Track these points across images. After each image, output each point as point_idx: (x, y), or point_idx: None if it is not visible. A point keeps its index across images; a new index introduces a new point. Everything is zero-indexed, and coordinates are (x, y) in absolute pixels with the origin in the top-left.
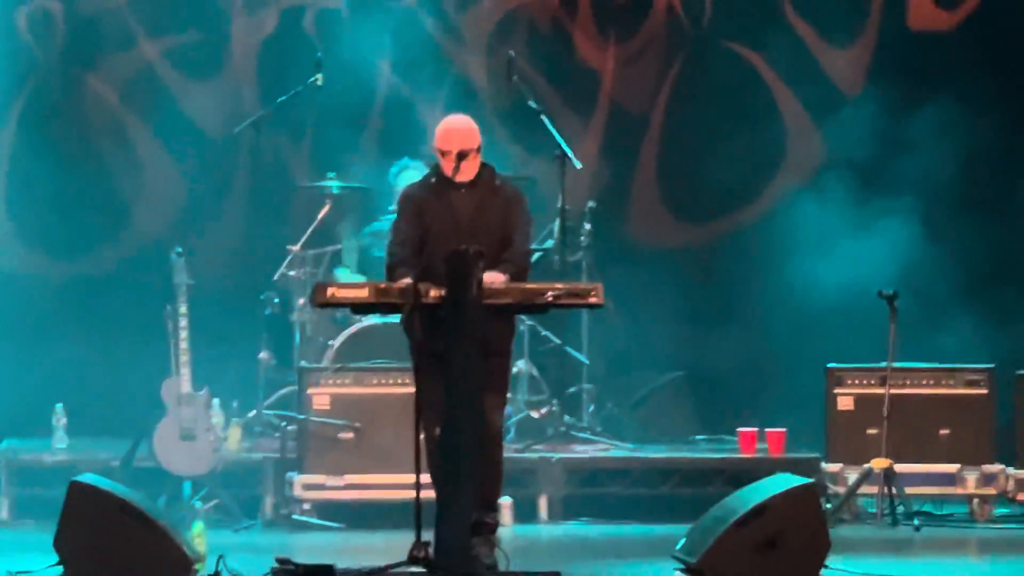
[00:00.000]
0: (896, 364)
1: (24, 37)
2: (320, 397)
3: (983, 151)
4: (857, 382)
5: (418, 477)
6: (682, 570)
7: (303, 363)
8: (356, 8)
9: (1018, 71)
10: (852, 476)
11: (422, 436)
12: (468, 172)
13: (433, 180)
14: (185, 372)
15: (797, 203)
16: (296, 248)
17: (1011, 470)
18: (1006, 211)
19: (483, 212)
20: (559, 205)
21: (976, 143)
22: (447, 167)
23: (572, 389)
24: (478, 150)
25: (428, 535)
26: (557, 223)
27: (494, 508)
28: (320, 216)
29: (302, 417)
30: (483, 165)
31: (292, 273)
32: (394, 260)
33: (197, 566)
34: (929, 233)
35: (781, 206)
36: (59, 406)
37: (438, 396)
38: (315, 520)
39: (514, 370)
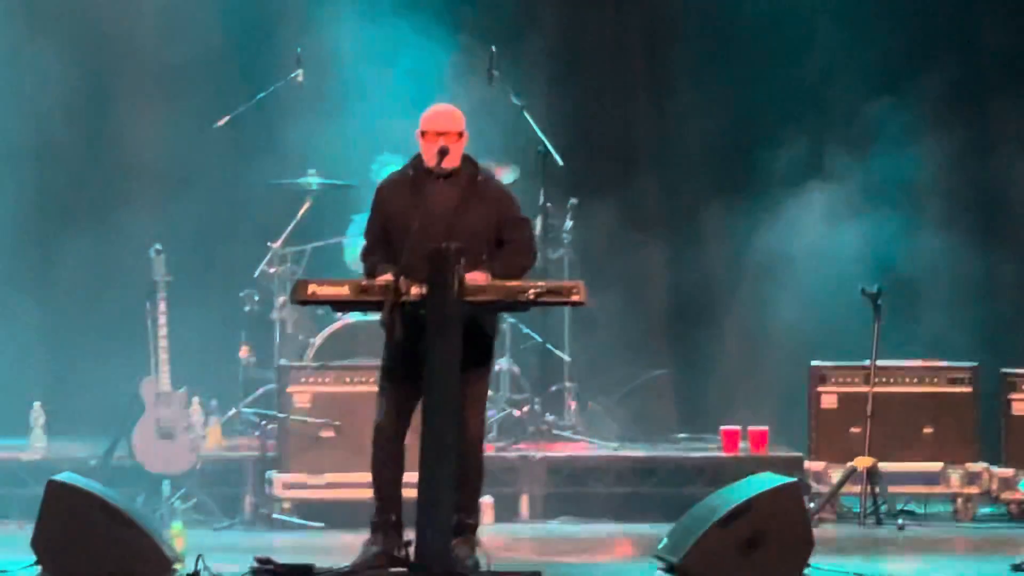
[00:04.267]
0: (880, 362)
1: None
2: (300, 395)
3: (968, 148)
4: (840, 380)
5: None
6: (664, 569)
7: (283, 361)
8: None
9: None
10: (835, 475)
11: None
12: (450, 158)
13: (411, 172)
14: (164, 370)
15: (781, 200)
16: (276, 245)
17: (995, 468)
18: (989, 208)
19: (463, 207)
20: (540, 202)
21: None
22: (428, 151)
23: (554, 387)
24: (460, 135)
25: (410, 535)
26: (539, 220)
27: (475, 510)
28: (300, 213)
29: (282, 415)
30: (466, 158)
31: (272, 270)
32: (362, 249)
33: (176, 565)
34: (913, 230)
35: (765, 204)
36: (37, 404)
37: (403, 396)
38: (295, 519)
39: (496, 368)
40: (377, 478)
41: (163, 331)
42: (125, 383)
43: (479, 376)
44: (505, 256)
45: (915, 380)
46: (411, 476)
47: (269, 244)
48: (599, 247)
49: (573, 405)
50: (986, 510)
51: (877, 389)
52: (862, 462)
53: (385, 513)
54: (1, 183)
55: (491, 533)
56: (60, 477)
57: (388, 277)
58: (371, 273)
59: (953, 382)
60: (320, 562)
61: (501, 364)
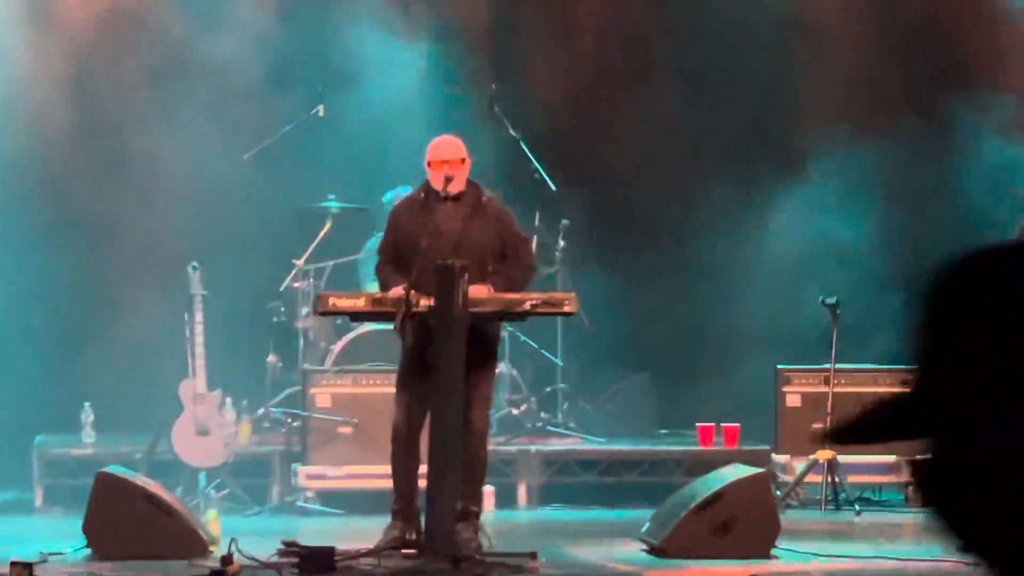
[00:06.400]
0: (838, 365)
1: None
2: (322, 396)
3: (912, 150)
4: (804, 381)
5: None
6: (647, 550)
7: (306, 365)
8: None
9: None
10: (799, 466)
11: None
12: (455, 182)
13: (422, 195)
14: (200, 374)
15: (749, 214)
16: (300, 262)
17: None
18: (941, 214)
19: (469, 226)
20: (535, 224)
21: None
22: (435, 178)
23: (548, 388)
24: (463, 161)
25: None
26: (534, 239)
27: (478, 498)
28: (322, 233)
29: (305, 414)
30: (470, 183)
31: (296, 284)
32: (377, 262)
33: (211, 548)
34: (868, 238)
35: (735, 219)
36: (87, 405)
37: (417, 399)
38: (318, 507)
39: (496, 371)
40: (396, 471)
41: (199, 339)
42: (166, 385)
43: (485, 378)
44: (506, 271)
45: (870, 381)
46: (421, 468)
47: (294, 261)
48: (588, 263)
49: (565, 404)
50: None
51: (836, 389)
52: (823, 455)
53: (402, 500)
54: (55, 204)
55: (492, 519)
56: (108, 469)
57: (399, 290)
58: (384, 284)
59: (904, 383)
60: (340, 545)
61: (501, 368)
